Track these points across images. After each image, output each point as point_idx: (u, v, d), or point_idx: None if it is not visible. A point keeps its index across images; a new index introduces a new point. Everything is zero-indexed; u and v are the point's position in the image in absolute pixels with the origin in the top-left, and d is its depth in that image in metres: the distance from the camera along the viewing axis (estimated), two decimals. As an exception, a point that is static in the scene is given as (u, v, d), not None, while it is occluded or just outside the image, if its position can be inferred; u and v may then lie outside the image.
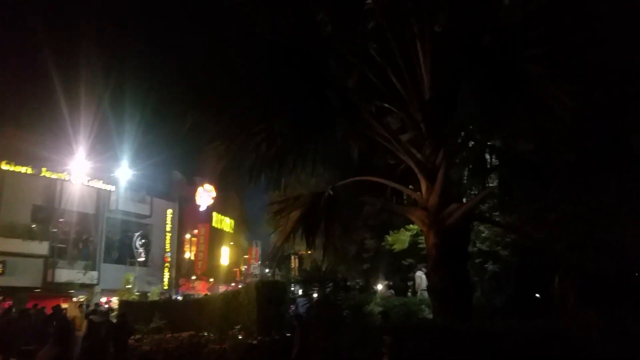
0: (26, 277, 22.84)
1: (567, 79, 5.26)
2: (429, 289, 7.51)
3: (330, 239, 8.51)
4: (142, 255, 26.23)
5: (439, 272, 6.74)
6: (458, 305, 6.63)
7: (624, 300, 9.06)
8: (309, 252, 12.31)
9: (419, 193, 7.26)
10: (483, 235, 16.31)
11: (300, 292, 16.00)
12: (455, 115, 6.40)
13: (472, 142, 7.75)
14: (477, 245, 16.26)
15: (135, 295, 22.09)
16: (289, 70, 6.52)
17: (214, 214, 32.87)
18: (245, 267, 34.64)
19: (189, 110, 6.83)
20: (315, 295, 14.14)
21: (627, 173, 7.66)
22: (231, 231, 35.61)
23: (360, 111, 6.91)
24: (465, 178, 8.13)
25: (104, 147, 25.67)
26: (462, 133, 7.25)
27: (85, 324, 12.61)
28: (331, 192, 8.29)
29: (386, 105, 7.66)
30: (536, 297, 14.97)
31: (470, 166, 8.16)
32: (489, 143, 7.97)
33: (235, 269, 33.87)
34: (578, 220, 12.07)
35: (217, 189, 31.58)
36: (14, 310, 17.14)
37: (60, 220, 24.98)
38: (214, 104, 6.85)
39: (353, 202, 8.75)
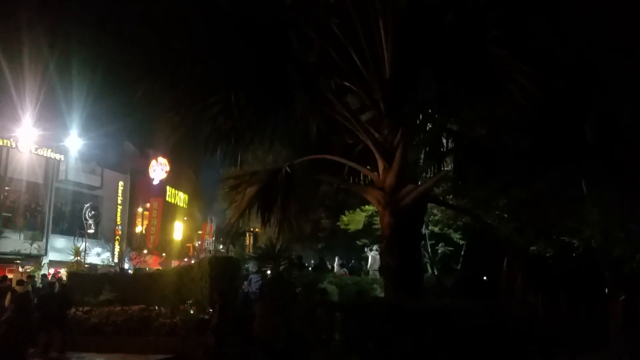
0: (-32, 245, 21.93)
1: (525, 62, 5.32)
2: (382, 267, 7.63)
3: (286, 217, 8.48)
4: (92, 227, 25.45)
5: (392, 252, 6.83)
6: (409, 285, 6.75)
7: (567, 282, 9.55)
8: (264, 229, 12.25)
9: (376, 173, 7.29)
10: (436, 217, 16.72)
11: (253, 269, 15.98)
12: (414, 95, 6.40)
13: (430, 125, 7.83)
14: (430, 227, 16.68)
15: (84, 267, 21.52)
16: (247, 40, 6.32)
17: (168, 188, 32.19)
18: (199, 242, 34.28)
19: (141, 78, 6.53)
20: (268, 272, 14.14)
21: (573, 163, 7.92)
22: (185, 206, 35.06)
23: (320, 88, 6.82)
24: (422, 160, 8.21)
25: (52, 115, 24.48)
26: (421, 115, 7.29)
27: (9, 296, 12.01)
28: (288, 170, 8.23)
29: (346, 83, 7.60)
30: (483, 279, 15.54)
31: (427, 149, 8.25)
32: (447, 127, 8.06)
33: (188, 245, 33.45)
34: (526, 206, 12.57)
35: (171, 162, 30.89)
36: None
37: (7, 188, 23.90)
38: (168, 72, 6.58)
39: (310, 181, 8.71)
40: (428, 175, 8.66)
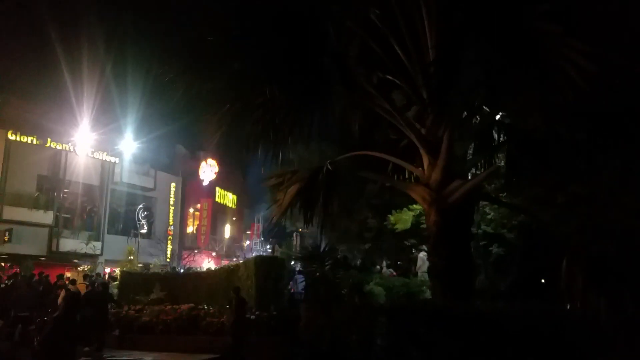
0: (32, 245, 22.93)
1: (580, 38, 4.75)
2: (429, 268, 7.24)
3: (327, 215, 8.24)
4: (145, 227, 26.19)
5: (439, 252, 6.46)
6: (458, 286, 6.35)
7: (633, 285, 8.78)
8: (307, 230, 12.12)
9: (420, 169, 6.94)
10: (488, 217, 15.96)
11: (298, 268, 15.88)
12: (459, 81, 5.92)
13: (478, 117, 7.34)
14: (482, 227, 15.94)
15: (138, 266, 22.12)
16: (282, 34, 6.12)
17: (217, 189, 32.71)
18: (248, 242, 34.65)
19: (180, 76, 6.47)
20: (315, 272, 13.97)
21: (636, 152, 7.23)
22: (234, 207, 35.53)
23: (359, 81, 6.52)
24: (470, 155, 7.74)
25: (108, 119, 25.39)
26: (468, 106, 6.82)
27: (62, 294, 12.39)
28: (330, 167, 7.99)
29: (389, 77, 7.27)
30: (541, 281, 14.73)
31: (476, 142, 7.77)
32: (496, 118, 7.55)
33: (237, 244, 33.88)
34: (586, 202, 11.72)
35: (220, 164, 31.37)
36: (20, 275, 17.35)
37: (65, 190, 24.94)
38: (206, 69, 6.49)
39: (352, 178, 8.43)
40: (477, 172, 8.17)
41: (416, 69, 6.39)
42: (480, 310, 5.18)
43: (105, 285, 15.43)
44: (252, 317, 12.79)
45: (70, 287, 12.91)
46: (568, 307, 8.03)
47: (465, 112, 6.95)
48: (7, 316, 13.23)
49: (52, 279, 17.55)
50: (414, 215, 17.38)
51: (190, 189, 31.46)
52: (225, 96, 6.91)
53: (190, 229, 31.65)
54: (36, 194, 23.43)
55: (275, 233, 31.09)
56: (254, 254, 23.94)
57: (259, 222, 34.47)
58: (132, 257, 22.14)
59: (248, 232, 36.06)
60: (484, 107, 7.04)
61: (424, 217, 16.69)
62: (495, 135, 8.47)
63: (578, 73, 4.67)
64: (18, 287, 14.81)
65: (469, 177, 7.24)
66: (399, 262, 21.02)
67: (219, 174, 31.79)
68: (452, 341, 4.84)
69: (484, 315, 4.99)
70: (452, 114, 6.31)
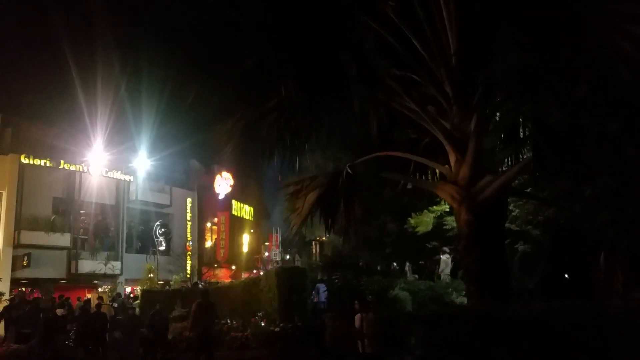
0: (50, 268, 22.88)
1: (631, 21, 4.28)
2: (463, 271, 6.88)
3: (350, 221, 7.91)
4: (163, 244, 26.02)
5: (472, 253, 6.09)
6: (495, 289, 5.98)
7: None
8: (327, 238, 11.85)
9: (447, 166, 6.59)
10: (513, 214, 15.52)
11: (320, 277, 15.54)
12: (488, 71, 5.56)
13: (504, 109, 6.94)
14: (507, 224, 15.50)
15: (158, 284, 21.96)
16: (296, 28, 5.83)
17: (234, 201, 32.52)
18: (267, 254, 34.35)
19: (190, 82, 6.22)
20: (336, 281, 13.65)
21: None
22: (251, 219, 35.31)
23: (379, 77, 6.21)
24: (498, 149, 7.36)
25: (121, 138, 25.37)
26: (495, 98, 6.45)
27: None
28: (349, 171, 7.67)
29: (409, 74, 6.95)
30: (565, 277, 14.26)
31: (502, 136, 7.38)
32: (524, 110, 7.16)
33: (256, 256, 33.60)
34: (616, 194, 11.24)
35: (235, 176, 31.20)
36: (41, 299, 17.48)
37: (81, 211, 24.91)
38: (217, 71, 6.22)
39: (373, 181, 8.11)
40: (505, 167, 7.78)
41: (437, 63, 6.05)
42: (527, 312, 4.80)
43: (99, 306, 14.93)
44: (277, 329, 12.53)
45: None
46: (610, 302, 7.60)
47: (490, 105, 6.58)
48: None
49: (74, 301, 17.61)
50: (434, 217, 17.01)
51: (207, 204, 31.31)
52: (237, 102, 6.64)
53: (208, 244, 31.48)
54: (52, 217, 23.39)
55: (295, 242, 30.77)
56: (273, 265, 23.65)
57: (277, 233, 34.17)
58: (151, 275, 21.99)
59: (267, 244, 35.80)
60: (516, 94, 6.60)
61: (444, 219, 16.41)
62: (521, 129, 8.09)
63: (624, 60, 4.25)
64: (16, 306, 15.13)
65: (499, 173, 6.85)
66: (421, 263, 20.60)
67: (234, 186, 31.61)
68: (497, 347, 4.48)
69: (532, 317, 4.62)
70: (480, 108, 5.94)
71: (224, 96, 6.48)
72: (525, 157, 7.59)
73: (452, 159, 6.34)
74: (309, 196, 8.26)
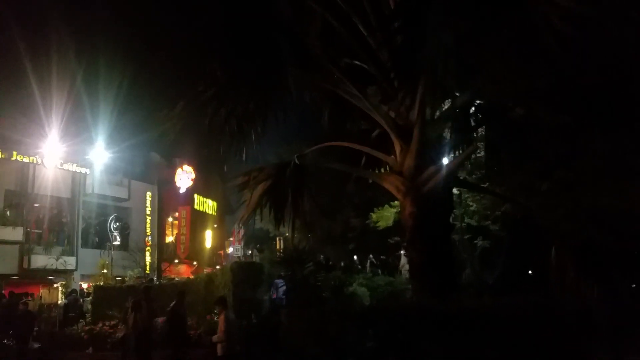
0: (1, 263, 21.97)
1: None
2: (408, 265, 6.70)
3: (298, 213, 7.63)
4: (118, 238, 25.21)
5: (416, 245, 5.90)
6: (440, 283, 5.79)
7: (625, 272, 8.34)
8: (288, 233, 11.61)
9: (392, 157, 6.37)
10: (471, 209, 15.53)
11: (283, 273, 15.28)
12: (425, 46, 5.20)
13: (453, 96, 6.72)
14: (466, 220, 15.49)
15: (114, 280, 21.29)
16: (235, 11, 5.49)
17: (196, 196, 31.82)
18: (231, 249, 33.81)
19: (126, 72, 5.82)
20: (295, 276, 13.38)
21: (624, 129, 6.74)
22: (214, 213, 34.66)
23: (320, 63, 5.92)
24: (447, 140, 7.17)
25: (77, 129, 24.41)
26: (437, 81, 6.20)
27: None
28: (297, 161, 7.39)
29: (355, 62, 6.70)
30: (529, 273, 14.34)
31: (451, 125, 7.18)
32: (474, 100, 6.98)
33: (219, 252, 33.05)
34: (572, 188, 11.28)
35: (196, 170, 30.50)
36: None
37: (35, 205, 23.96)
38: (150, 59, 5.84)
39: (324, 172, 7.86)
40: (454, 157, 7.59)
41: (381, 45, 5.78)
42: (464, 307, 4.62)
43: (25, 304, 14.12)
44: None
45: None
46: (560, 298, 7.55)
47: (437, 93, 6.35)
48: None
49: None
50: (396, 212, 16.90)
51: (168, 198, 30.46)
52: (176, 88, 6.26)
53: (169, 239, 30.74)
54: (4, 210, 22.44)
55: (258, 238, 30.36)
56: (232, 261, 23.21)
57: (240, 228, 33.64)
58: (105, 271, 21.28)
59: (230, 239, 35.22)
60: (456, 85, 6.40)
61: (406, 213, 16.33)
62: (472, 120, 7.96)
63: (550, 31, 4.07)
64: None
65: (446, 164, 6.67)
66: (382, 257, 20.57)
67: (196, 180, 30.91)
68: (432, 342, 4.28)
69: (469, 311, 4.44)
70: (423, 93, 5.67)
71: (161, 82, 6.10)
72: (474, 146, 7.44)
73: (398, 148, 6.13)
74: (257, 188, 7.96)
